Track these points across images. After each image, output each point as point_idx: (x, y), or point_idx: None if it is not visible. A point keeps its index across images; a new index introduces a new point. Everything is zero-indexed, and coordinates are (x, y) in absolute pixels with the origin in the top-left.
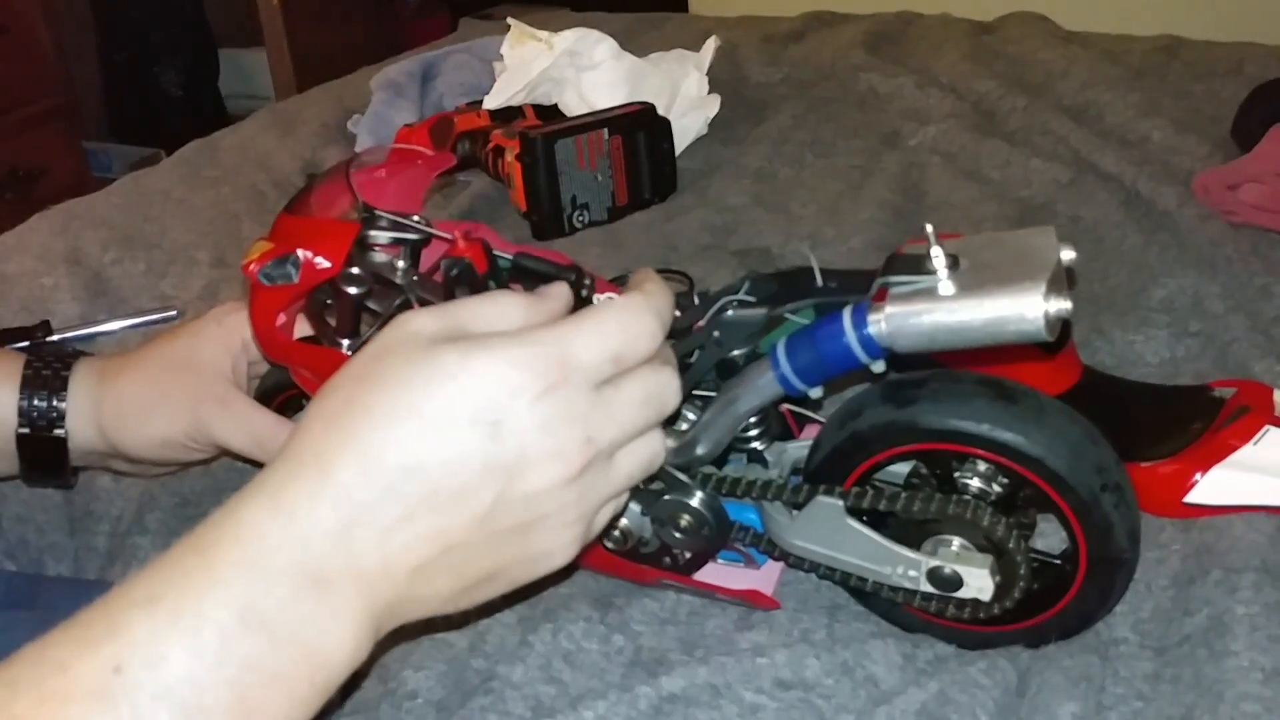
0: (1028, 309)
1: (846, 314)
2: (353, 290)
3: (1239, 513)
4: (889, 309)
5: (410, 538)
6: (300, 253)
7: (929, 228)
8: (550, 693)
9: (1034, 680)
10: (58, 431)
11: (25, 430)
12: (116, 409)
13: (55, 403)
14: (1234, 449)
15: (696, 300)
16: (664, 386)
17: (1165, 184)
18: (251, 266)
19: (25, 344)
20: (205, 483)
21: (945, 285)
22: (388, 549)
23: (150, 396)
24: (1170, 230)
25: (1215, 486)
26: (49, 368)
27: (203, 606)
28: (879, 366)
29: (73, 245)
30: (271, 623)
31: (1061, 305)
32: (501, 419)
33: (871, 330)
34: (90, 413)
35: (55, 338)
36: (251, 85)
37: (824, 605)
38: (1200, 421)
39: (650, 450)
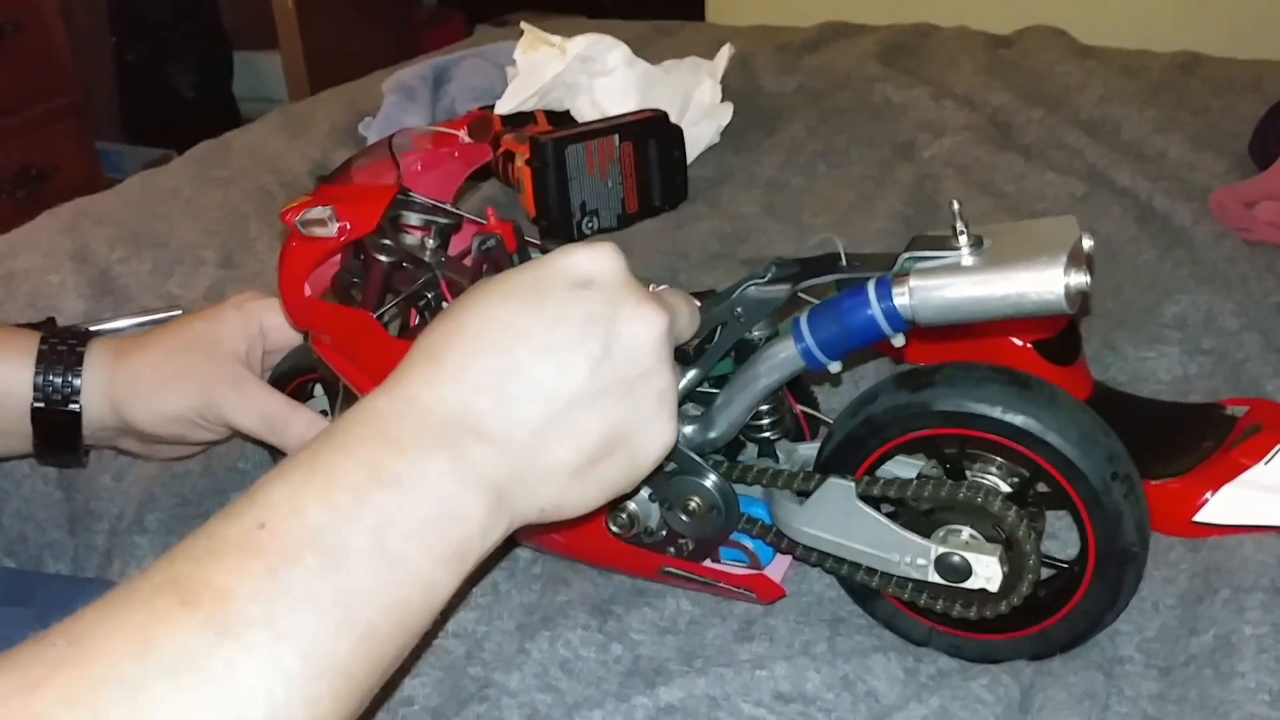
0: (1049, 281)
1: (871, 285)
2: (383, 258)
3: (1249, 532)
4: (913, 281)
5: (527, 397)
6: (337, 208)
7: (956, 204)
8: (547, 701)
9: (1037, 696)
10: (72, 406)
11: (40, 405)
12: (129, 383)
13: (70, 378)
14: (1245, 468)
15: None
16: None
17: (1181, 200)
18: (289, 214)
19: None
20: (206, 483)
21: (969, 259)
22: (507, 411)
23: (163, 372)
24: (1185, 247)
25: (1225, 505)
26: (65, 343)
27: (334, 470)
28: (900, 340)
29: (80, 243)
30: (404, 477)
31: (1081, 279)
32: (592, 279)
33: (896, 301)
34: (104, 387)
35: None
36: (265, 88)
37: (826, 618)
38: (1211, 440)
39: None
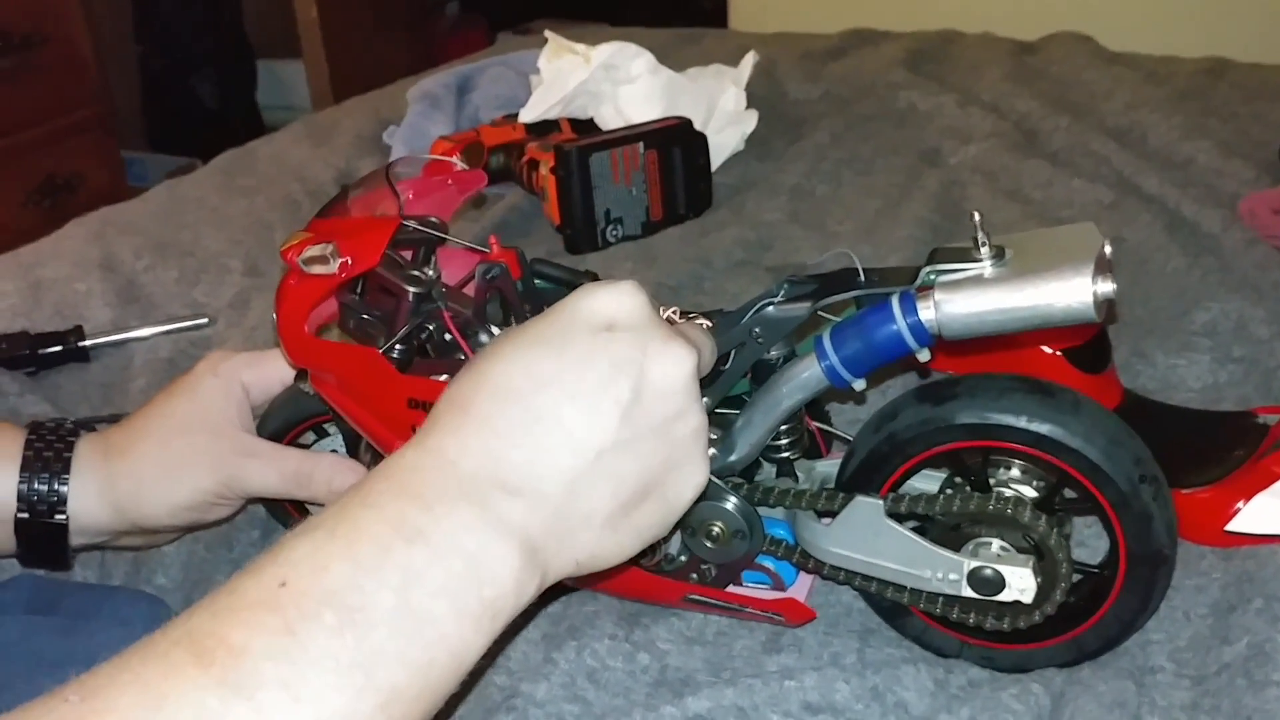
0: (1076, 290)
1: (895, 301)
2: (413, 288)
3: None
4: (938, 295)
5: (557, 446)
6: (339, 244)
7: (976, 215)
8: (574, 711)
9: (1068, 707)
10: (59, 516)
11: (24, 515)
12: (133, 483)
13: (57, 486)
14: (1278, 476)
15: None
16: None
17: (1210, 207)
18: (291, 253)
19: (58, 348)
20: None
21: (993, 270)
22: (536, 462)
23: (170, 464)
24: (1215, 253)
25: (1258, 514)
26: (50, 448)
27: (358, 526)
28: (925, 355)
29: (107, 252)
30: (430, 534)
31: (1108, 287)
32: (615, 321)
33: (922, 316)
34: (103, 493)
35: (88, 343)
36: (289, 97)
37: (855, 629)
38: (1243, 448)
39: None
